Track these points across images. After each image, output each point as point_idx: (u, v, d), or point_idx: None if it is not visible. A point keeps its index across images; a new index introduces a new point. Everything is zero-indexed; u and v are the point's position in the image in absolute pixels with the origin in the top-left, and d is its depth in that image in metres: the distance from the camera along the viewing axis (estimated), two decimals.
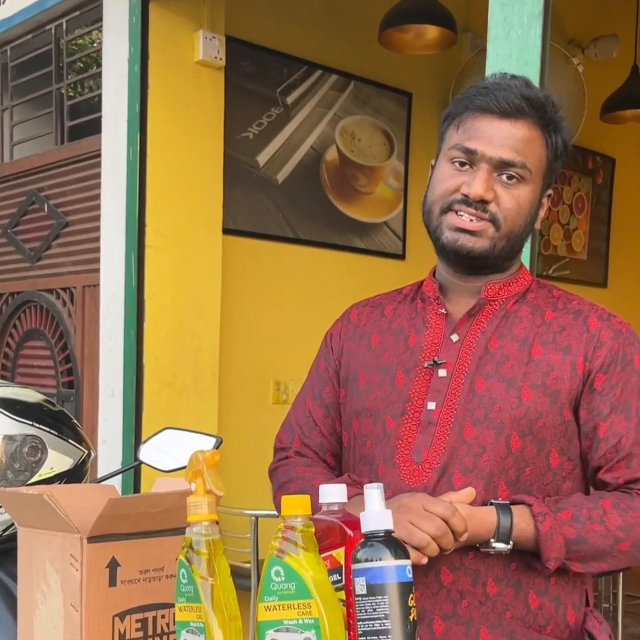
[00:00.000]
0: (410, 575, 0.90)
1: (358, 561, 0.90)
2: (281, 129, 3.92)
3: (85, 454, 1.49)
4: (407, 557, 0.91)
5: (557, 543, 1.23)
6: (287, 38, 3.89)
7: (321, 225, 4.05)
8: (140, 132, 3.21)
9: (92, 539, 1.05)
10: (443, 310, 1.38)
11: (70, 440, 1.45)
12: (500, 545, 1.22)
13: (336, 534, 1.00)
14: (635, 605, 4.19)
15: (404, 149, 4.35)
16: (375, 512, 0.93)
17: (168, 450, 1.74)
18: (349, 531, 1.00)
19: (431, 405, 1.32)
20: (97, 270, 3.46)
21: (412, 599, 0.90)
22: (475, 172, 1.30)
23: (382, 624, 0.87)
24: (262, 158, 3.84)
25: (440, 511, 1.17)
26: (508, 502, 1.26)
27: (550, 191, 1.38)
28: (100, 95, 3.53)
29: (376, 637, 0.87)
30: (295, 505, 0.95)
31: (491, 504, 1.25)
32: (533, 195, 1.33)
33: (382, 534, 0.91)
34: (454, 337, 1.36)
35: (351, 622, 0.95)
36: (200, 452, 0.97)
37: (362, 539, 0.93)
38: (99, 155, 3.48)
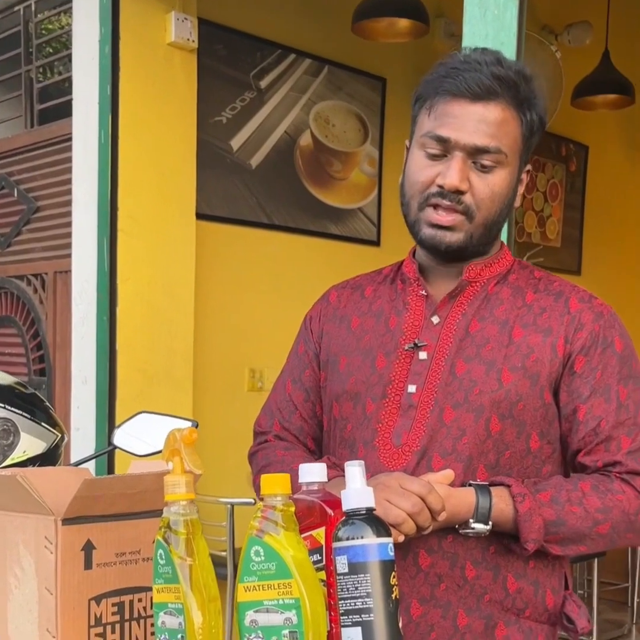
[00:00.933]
0: (392, 554, 0.89)
1: (339, 539, 0.89)
2: (255, 113, 3.89)
3: (59, 437, 1.46)
4: (389, 535, 0.89)
5: (536, 524, 1.22)
6: (261, 21, 3.85)
7: (296, 211, 4.03)
8: (112, 115, 3.17)
9: (66, 521, 1.03)
10: (423, 292, 1.36)
11: (43, 424, 1.42)
12: (479, 526, 1.21)
13: (316, 514, 0.98)
14: (609, 591, 4.23)
15: (379, 134, 4.33)
16: (357, 489, 0.91)
17: (143, 435, 1.71)
18: (329, 511, 0.98)
19: (411, 389, 1.31)
20: (69, 256, 3.42)
21: (394, 577, 0.88)
22: (450, 161, 1.28)
23: (364, 602, 0.86)
24: (236, 142, 3.81)
25: (417, 488, 1.16)
26: (487, 483, 1.25)
27: (528, 166, 1.36)
28: (70, 79, 3.48)
29: (358, 616, 0.86)
30: (275, 484, 0.93)
31: (470, 484, 1.23)
32: (510, 177, 1.31)
33: (364, 512, 0.90)
34: (435, 319, 1.34)
35: (332, 603, 0.94)
36: (177, 431, 0.95)
37: (344, 517, 0.91)
38: (70, 139, 3.43)
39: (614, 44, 4.86)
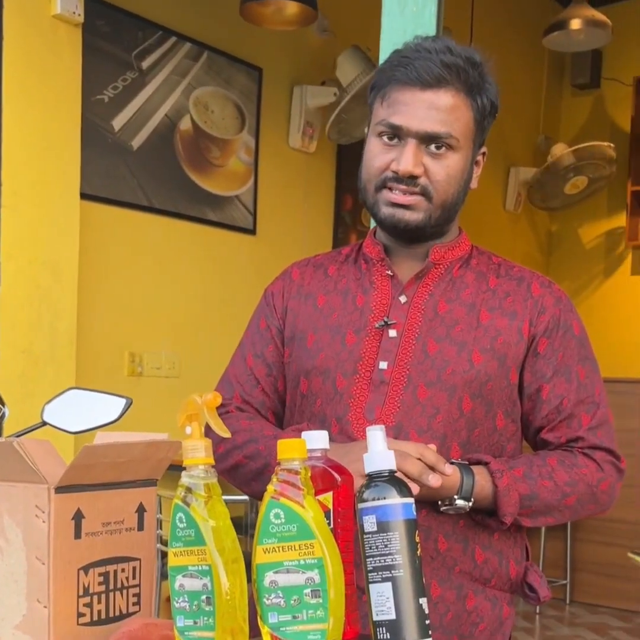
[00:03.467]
0: (415, 513, 0.93)
1: (365, 500, 0.92)
2: (136, 94, 3.82)
3: (1, 412, 1.41)
4: (411, 495, 0.93)
5: (513, 499, 1.29)
6: (143, 0, 3.79)
7: (175, 195, 3.98)
8: None
9: (59, 489, 1.01)
10: (389, 272, 1.41)
11: None
12: (462, 502, 1.26)
13: (323, 479, 1.01)
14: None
15: (255, 123, 4.35)
16: (379, 452, 0.95)
17: (74, 411, 1.67)
18: (336, 475, 1.01)
19: (383, 365, 1.35)
20: None
21: (417, 535, 0.93)
22: (403, 147, 1.32)
23: (393, 559, 0.90)
24: (117, 123, 3.73)
25: (412, 450, 1.21)
26: (466, 462, 1.30)
27: (484, 149, 1.42)
28: None
29: (388, 572, 0.89)
30: (292, 448, 0.95)
31: (452, 463, 1.28)
32: (464, 160, 1.36)
33: (387, 474, 0.93)
34: (402, 299, 1.39)
35: (344, 563, 0.97)
36: (197, 395, 0.95)
37: (367, 480, 0.94)
38: None
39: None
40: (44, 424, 1.64)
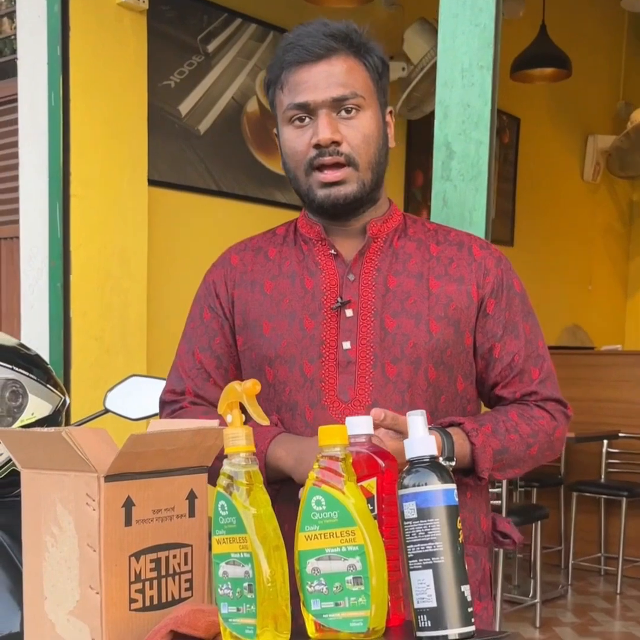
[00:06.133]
0: (456, 499, 0.91)
1: (405, 487, 0.91)
2: (202, 78, 3.84)
3: (62, 400, 1.44)
4: (453, 481, 0.92)
5: (488, 454, 1.32)
6: None
7: (243, 177, 4.00)
8: (63, 76, 3.08)
9: (108, 478, 1.02)
10: (333, 251, 1.41)
11: (47, 385, 1.39)
12: (446, 463, 1.26)
13: (366, 465, 1.00)
14: (544, 554, 4.38)
15: None
16: (420, 438, 0.93)
17: (135, 398, 1.70)
18: (381, 462, 1.00)
19: (346, 345, 1.36)
20: (16, 222, 3.33)
21: (459, 522, 0.91)
22: (317, 120, 1.34)
23: (434, 546, 0.89)
24: (184, 108, 3.76)
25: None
26: (441, 425, 1.32)
27: (390, 108, 1.44)
28: (11, 37, 3.37)
29: (429, 559, 0.88)
30: (333, 435, 0.95)
31: (430, 428, 1.28)
32: (375, 118, 1.38)
33: (428, 460, 0.92)
34: (351, 277, 1.39)
35: (388, 550, 0.96)
36: (237, 384, 0.95)
37: (407, 466, 0.93)
38: (15, 100, 3.32)
39: (550, 17, 4.96)
40: (106, 411, 1.68)
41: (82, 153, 3.13)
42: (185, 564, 1.11)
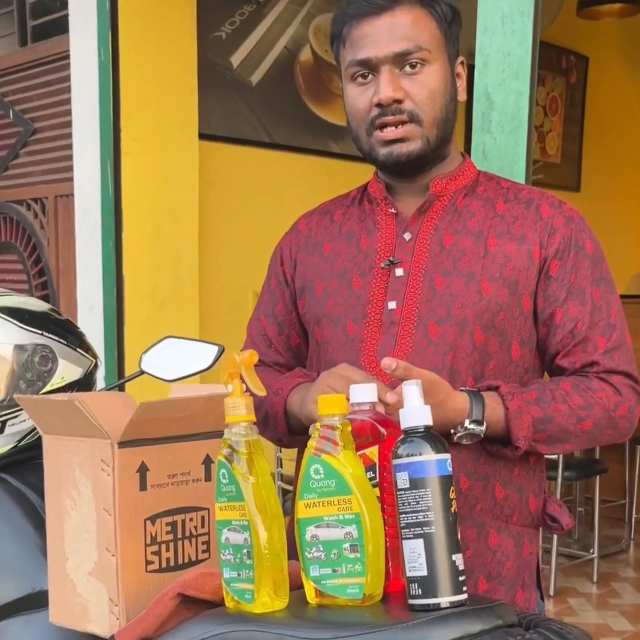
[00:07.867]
0: (450, 469, 0.91)
1: (399, 456, 0.92)
2: (254, 27, 3.80)
3: (93, 363, 1.47)
4: (447, 451, 0.92)
5: (525, 422, 1.25)
6: None
7: (297, 129, 3.98)
8: (112, 31, 3.09)
9: (122, 444, 1.05)
10: (393, 210, 1.38)
11: (78, 349, 1.43)
12: (473, 426, 1.22)
13: (369, 433, 1.01)
14: (607, 508, 4.33)
15: None
16: (414, 407, 0.93)
17: (170, 360, 1.73)
18: (383, 430, 1.01)
19: (392, 305, 1.33)
20: (70, 179, 3.37)
21: (452, 491, 0.91)
22: (378, 77, 1.30)
23: (425, 516, 0.89)
24: (236, 59, 3.74)
25: (358, 377, 1.19)
26: (475, 388, 1.27)
27: (461, 58, 1.37)
28: None
29: (420, 529, 0.89)
30: (332, 404, 0.95)
31: (461, 390, 1.25)
32: (443, 71, 1.32)
33: (422, 430, 0.92)
34: (407, 236, 1.36)
35: (386, 518, 0.97)
36: (236, 354, 0.96)
37: (402, 435, 0.94)
38: (67, 57, 3.34)
39: None
40: (142, 372, 1.70)
41: (132, 109, 3.14)
42: (202, 526, 1.13)
